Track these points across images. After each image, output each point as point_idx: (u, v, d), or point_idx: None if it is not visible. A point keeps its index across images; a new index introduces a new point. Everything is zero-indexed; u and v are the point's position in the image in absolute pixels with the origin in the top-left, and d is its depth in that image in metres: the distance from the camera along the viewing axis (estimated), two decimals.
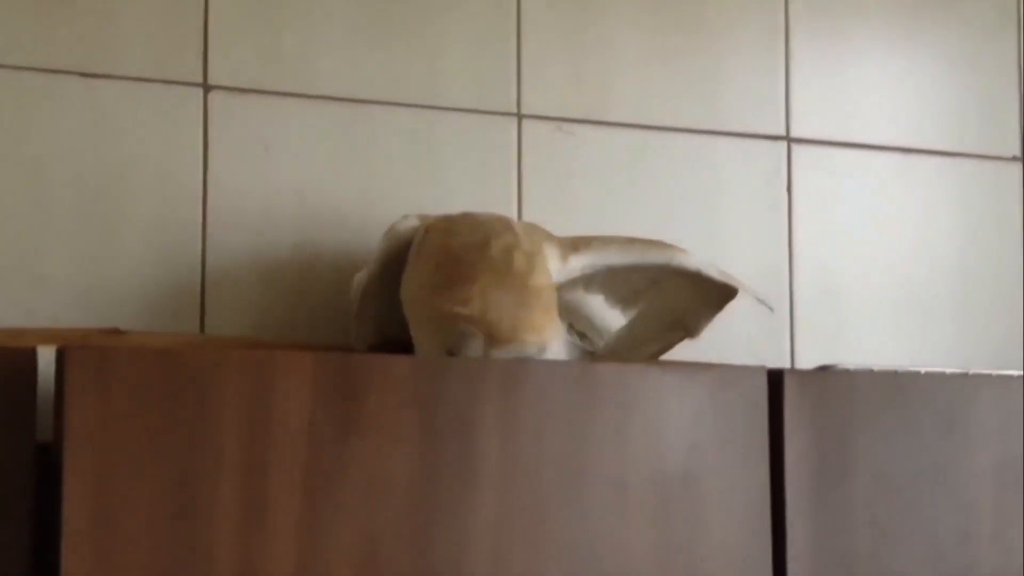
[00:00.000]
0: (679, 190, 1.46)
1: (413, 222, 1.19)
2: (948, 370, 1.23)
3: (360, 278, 1.20)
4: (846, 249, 1.52)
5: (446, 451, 0.97)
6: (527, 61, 1.40)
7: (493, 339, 1.10)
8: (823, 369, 1.23)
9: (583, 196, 1.42)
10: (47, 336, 1.18)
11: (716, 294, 1.23)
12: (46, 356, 0.89)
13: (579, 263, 1.19)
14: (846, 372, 1.16)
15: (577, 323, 1.31)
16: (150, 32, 1.28)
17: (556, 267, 1.16)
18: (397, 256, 1.18)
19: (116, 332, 1.20)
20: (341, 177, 1.33)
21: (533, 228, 1.19)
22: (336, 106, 1.33)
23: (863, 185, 1.53)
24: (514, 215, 1.38)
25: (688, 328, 1.28)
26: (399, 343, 1.19)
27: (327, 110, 1.33)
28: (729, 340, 1.44)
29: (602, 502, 1.01)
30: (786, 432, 1.08)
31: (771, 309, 1.25)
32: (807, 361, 1.48)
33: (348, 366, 0.95)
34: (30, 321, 1.22)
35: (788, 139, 1.50)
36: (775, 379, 1.08)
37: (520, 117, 1.40)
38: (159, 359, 0.90)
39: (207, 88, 1.29)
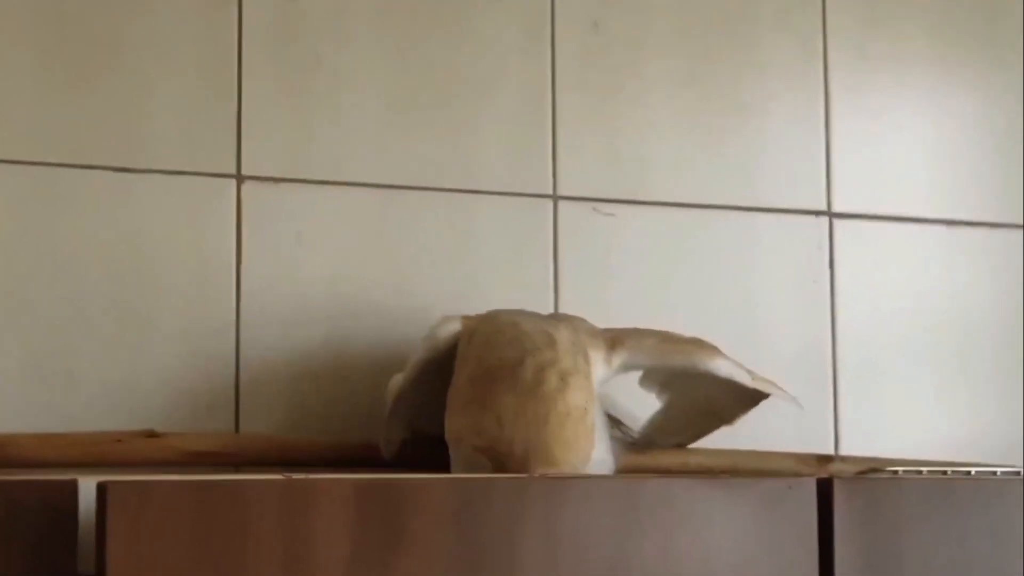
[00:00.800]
0: (719, 268, 1.44)
1: (453, 326, 1.16)
2: (999, 469, 1.19)
3: (396, 381, 1.17)
4: (889, 324, 1.49)
5: (488, 572, 0.94)
6: (562, 142, 1.38)
7: (502, 470, 1.08)
8: (871, 471, 1.20)
9: (621, 276, 1.40)
10: (80, 441, 1.17)
11: (749, 393, 1.21)
12: (87, 487, 0.87)
13: (617, 361, 1.16)
14: (895, 478, 1.14)
15: (612, 410, 1.28)
16: (182, 124, 1.27)
17: (602, 370, 1.14)
18: (435, 360, 1.15)
19: (151, 434, 1.19)
20: (374, 264, 1.31)
21: (578, 331, 1.16)
22: (369, 192, 1.32)
23: (906, 258, 1.51)
24: (551, 297, 1.36)
25: (723, 418, 1.26)
26: (430, 438, 1.18)
27: (360, 197, 1.32)
28: (771, 421, 1.42)
29: None
30: (836, 542, 1.05)
31: (801, 407, 1.22)
32: (851, 439, 1.45)
33: (389, 490, 0.93)
34: (63, 420, 1.20)
35: (830, 214, 1.47)
36: (824, 489, 1.06)
37: (556, 199, 1.38)
38: (197, 491, 0.88)
39: (240, 179, 1.28)
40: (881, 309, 1.49)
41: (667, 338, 1.18)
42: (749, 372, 1.19)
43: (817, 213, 1.47)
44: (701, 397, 1.25)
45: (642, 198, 1.41)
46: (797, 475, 1.36)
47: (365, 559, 0.91)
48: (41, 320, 1.22)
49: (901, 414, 1.49)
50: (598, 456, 1.12)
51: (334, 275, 1.30)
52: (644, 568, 0.99)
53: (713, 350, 1.18)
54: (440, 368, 1.16)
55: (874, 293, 1.49)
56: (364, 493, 0.92)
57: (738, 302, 1.44)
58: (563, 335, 1.14)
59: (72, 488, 0.88)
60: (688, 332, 1.37)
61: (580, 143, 1.39)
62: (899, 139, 1.51)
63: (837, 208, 1.48)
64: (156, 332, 1.24)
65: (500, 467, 1.09)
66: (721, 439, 1.38)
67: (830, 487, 1.06)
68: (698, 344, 1.18)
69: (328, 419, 1.25)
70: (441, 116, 1.34)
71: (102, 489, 0.85)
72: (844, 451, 1.46)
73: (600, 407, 1.15)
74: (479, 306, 1.31)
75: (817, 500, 1.05)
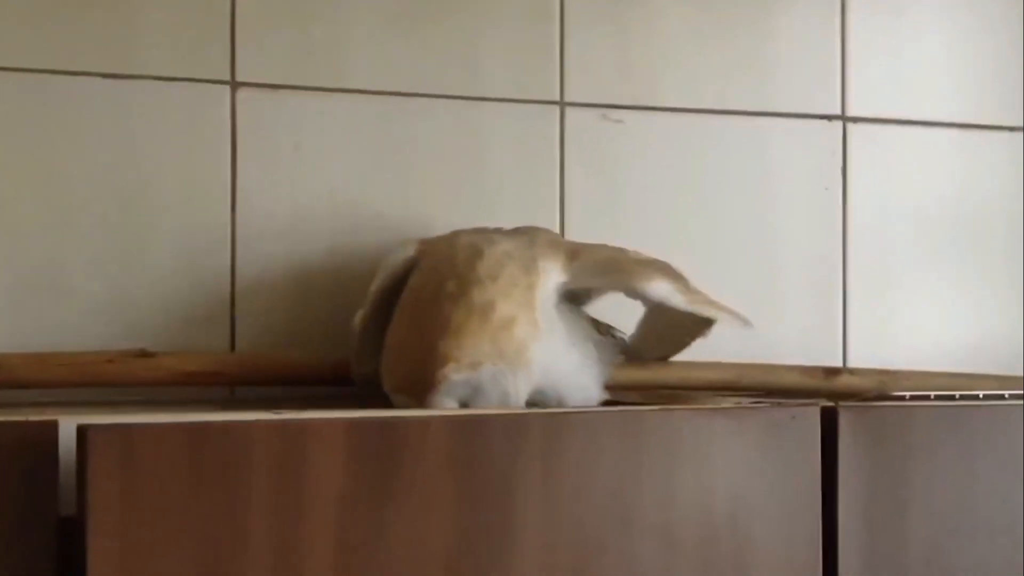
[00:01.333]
0: (730, 175, 1.40)
1: (406, 251, 1.14)
2: (1008, 392, 1.17)
3: (358, 317, 1.15)
4: (901, 230, 1.46)
5: (485, 512, 0.92)
6: (570, 46, 1.34)
7: (415, 397, 1.06)
8: (878, 397, 1.18)
9: (629, 185, 1.37)
10: (71, 361, 1.15)
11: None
12: (67, 427, 0.85)
13: (569, 273, 1.13)
14: (901, 406, 1.11)
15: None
16: (175, 29, 1.23)
17: (556, 278, 1.11)
18: (394, 287, 1.14)
19: (144, 354, 1.16)
20: (376, 174, 1.28)
21: (534, 243, 1.13)
22: (370, 100, 1.28)
23: (920, 164, 1.47)
24: (556, 206, 1.33)
25: (690, 334, 1.22)
26: None
27: (361, 104, 1.28)
28: (779, 330, 1.40)
29: (648, 553, 0.97)
30: (840, 471, 1.03)
31: (748, 325, 1.18)
32: (861, 346, 1.43)
33: (382, 429, 0.91)
34: (54, 336, 1.18)
35: (844, 118, 1.44)
36: (829, 417, 1.03)
37: (563, 105, 1.34)
38: (184, 434, 0.86)
39: (235, 85, 1.24)
40: (893, 216, 1.46)
41: (618, 257, 1.14)
42: (694, 295, 1.14)
43: (831, 118, 1.43)
44: (670, 312, 1.21)
45: (652, 104, 1.37)
46: (802, 390, 1.35)
47: (359, 500, 0.89)
48: (30, 234, 1.19)
49: (912, 321, 1.46)
50: (544, 358, 1.08)
51: (334, 186, 1.27)
52: (645, 501, 0.97)
53: (657, 271, 1.13)
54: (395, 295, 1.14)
55: (887, 199, 1.46)
56: (357, 432, 0.90)
57: (749, 210, 1.41)
58: (499, 248, 1.11)
59: (52, 429, 0.85)
60: (698, 241, 1.35)
61: (588, 47, 1.35)
62: (917, 41, 1.47)
63: (851, 112, 1.44)
64: (149, 246, 1.21)
65: (413, 395, 1.06)
66: (727, 350, 1.36)
67: (835, 416, 1.04)
68: (644, 265, 1.14)
69: (327, 336, 1.23)
70: (446, 19, 1.30)
71: (82, 432, 0.83)
72: (854, 359, 1.44)
73: (572, 317, 1.14)
74: (483, 216, 1.29)
75: (821, 429, 1.03)
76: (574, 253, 1.14)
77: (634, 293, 1.14)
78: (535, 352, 1.08)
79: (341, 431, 0.89)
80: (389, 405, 1.11)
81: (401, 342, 1.09)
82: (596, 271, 1.14)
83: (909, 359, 1.43)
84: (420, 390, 1.06)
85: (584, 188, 1.34)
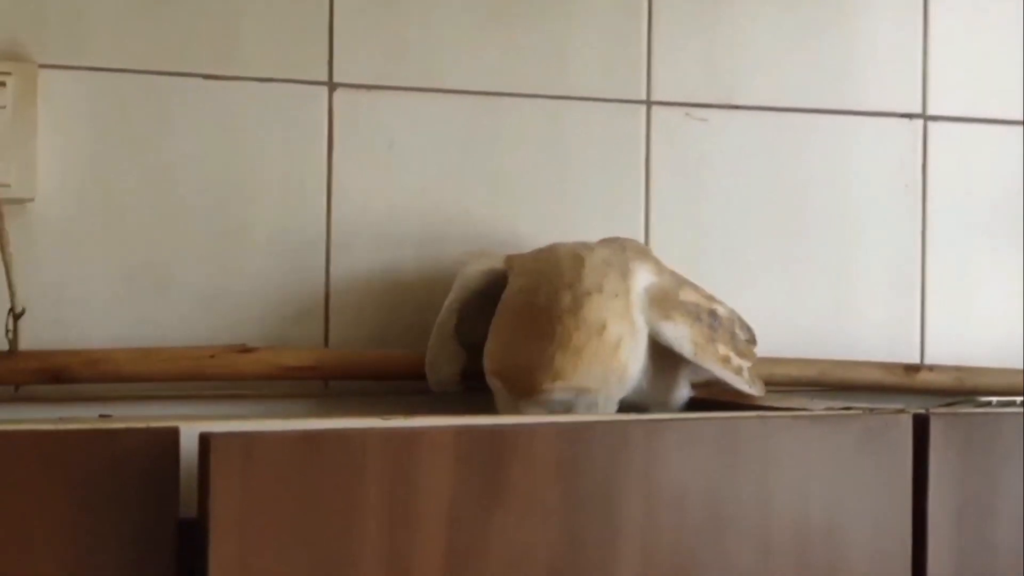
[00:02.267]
0: (812, 172, 1.42)
1: (481, 265, 1.17)
2: None
3: (435, 328, 1.20)
4: (980, 229, 1.47)
5: (589, 518, 0.95)
6: (657, 46, 1.36)
7: (512, 391, 1.09)
8: (964, 400, 1.19)
9: (713, 183, 1.38)
10: (174, 356, 1.17)
11: None
12: (189, 433, 0.88)
13: (658, 277, 1.16)
14: (989, 413, 1.13)
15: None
16: (274, 31, 1.25)
17: (647, 277, 1.14)
18: (469, 300, 1.18)
19: (244, 349, 1.19)
20: (467, 172, 1.30)
21: (625, 249, 1.17)
22: (462, 99, 1.30)
23: (1000, 162, 1.48)
24: (641, 204, 1.35)
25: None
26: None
27: (453, 104, 1.30)
28: (862, 326, 1.41)
29: (745, 560, 0.99)
30: (930, 477, 1.05)
31: (757, 393, 1.19)
32: (939, 345, 1.44)
33: (491, 436, 0.93)
34: (156, 332, 1.21)
35: (924, 116, 1.45)
36: (920, 423, 1.05)
37: (649, 104, 1.36)
38: (300, 441, 0.89)
39: (332, 87, 1.26)
40: (972, 213, 1.47)
41: (671, 289, 1.15)
42: (705, 348, 1.14)
43: (911, 116, 1.44)
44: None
45: (736, 102, 1.39)
46: (883, 386, 1.36)
47: (468, 505, 0.91)
48: (134, 232, 1.22)
49: (990, 318, 1.47)
50: (638, 366, 1.11)
51: (426, 184, 1.29)
52: (742, 506, 0.99)
53: (685, 314, 1.14)
54: (475, 303, 1.18)
55: (966, 197, 1.46)
56: (466, 439, 0.92)
57: (831, 207, 1.42)
58: (598, 255, 1.14)
59: (174, 435, 0.88)
60: (780, 238, 1.37)
61: (674, 47, 1.36)
62: (997, 40, 1.47)
63: (932, 111, 1.45)
64: (248, 243, 1.24)
65: (511, 387, 1.10)
66: (808, 347, 1.38)
67: (926, 423, 1.05)
68: (677, 305, 1.15)
69: (419, 332, 1.25)
70: (535, 19, 1.32)
71: (205, 440, 0.86)
72: (932, 355, 1.45)
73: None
74: (570, 212, 1.31)
75: (913, 436, 1.05)
76: (660, 265, 1.16)
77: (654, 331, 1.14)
78: (634, 369, 1.10)
79: (451, 438, 0.92)
80: (478, 407, 1.14)
81: (510, 339, 1.12)
82: (652, 293, 1.15)
83: (987, 355, 1.44)
84: (521, 388, 1.09)
85: (668, 185, 1.36)
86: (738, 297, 1.28)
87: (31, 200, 1.18)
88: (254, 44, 1.24)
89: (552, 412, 1.09)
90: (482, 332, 1.16)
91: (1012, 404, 1.16)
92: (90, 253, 1.20)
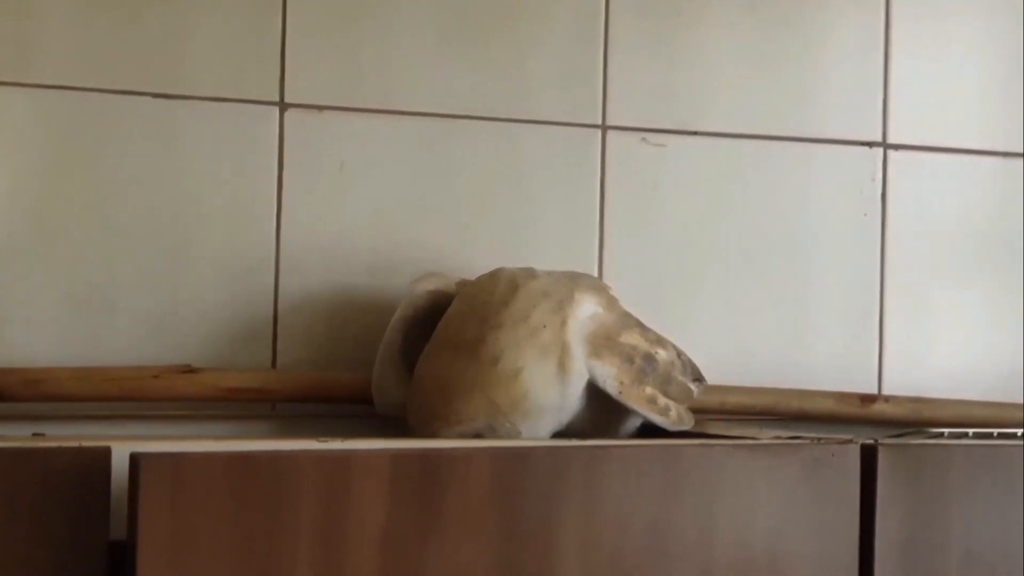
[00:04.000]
0: (770, 199, 1.41)
1: (428, 285, 1.18)
2: None
3: (380, 350, 1.19)
4: (940, 257, 1.46)
5: (526, 545, 0.94)
6: (613, 69, 1.35)
7: (435, 422, 1.10)
8: (915, 431, 1.18)
9: (670, 209, 1.37)
10: (117, 376, 1.16)
11: None
12: (121, 453, 0.87)
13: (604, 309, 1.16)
14: (939, 444, 1.12)
15: None
16: (225, 50, 1.24)
17: (591, 308, 1.14)
18: (414, 319, 1.18)
19: (189, 369, 1.18)
20: (419, 195, 1.29)
21: (572, 277, 1.17)
22: (415, 121, 1.29)
23: (960, 191, 1.47)
24: (596, 229, 1.34)
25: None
26: None
27: (406, 126, 1.29)
28: (817, 355, 1.41)
29: None
30: (878, 509, 1.04)
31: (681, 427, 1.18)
32: (896, 375, 1.44)
33: (426, 461, 0.92)
34: (100, 352, 1.20)
35: (884, 145, 1.44)
36: (868, 454, 1.04)
37: (605, 128, 1.35)
38: (232, 463, 0.87)
39: (283, 107, 1.25)
40: (931, 243, 1.46)
41: (613, 328, 1.15)
42: (631, 389, 1.14)
43: (872, 144, 1.44)
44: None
45: (694, 128, 1.38)
46: (838, 416, 1.35)
47: (402, 531, 0.90)
48: (78, 251, 1.20)
49: (948, 348, 1.47)
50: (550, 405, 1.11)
51: (378, 206, 1.28)
52: (684, 536, 0.98)
53: (614, 354, 1.14)
54: (422, 322, 1.18)
55: (925, 226, 1.46)
56: (402, 464, 0.91)
57: (788, 235, 1.41)
58: (537, 284, 1.15)
59: (105, 455, 0.87)
60: (737, 265, 1.36)
61: (631, 71, 1.36)
62: (957, 70, 1.47)
63: (892, 139, 1.44)
64: (195, 263, 1.23)
65: (419, 425, 1.12)
66: (763, 374, 1.37)
67: (874, 454, 1.04)
68: (612, 346, 1.14)
69: (368, 355, 1.23)
70: (490, 43, 1.31)
71: (135, 461, 0.85)
72: (889, 386, 1.44)
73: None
74: (524, 237, 1.30)
75: (860, 467, 1.04)
76: (611, 303, 1.16)
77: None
78: (547, 398, 1.09)
79: (386, 463, 0.91)
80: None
81: (427, 371, 1.13)
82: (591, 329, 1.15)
83: (945, 386, 1.44)
84: (426, 432, 1.11)
85: (624, 211, 1.35)
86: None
87: None
88: (204, 63, 1.23)
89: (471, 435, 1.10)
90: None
91: (964, 436, 1.15)
92: (35, 272, 1.19)
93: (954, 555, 1.06)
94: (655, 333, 1.16)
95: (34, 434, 1.08)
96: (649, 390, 1.13)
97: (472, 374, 1.10)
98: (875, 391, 1.42)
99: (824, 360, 1.42)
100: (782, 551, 1.01)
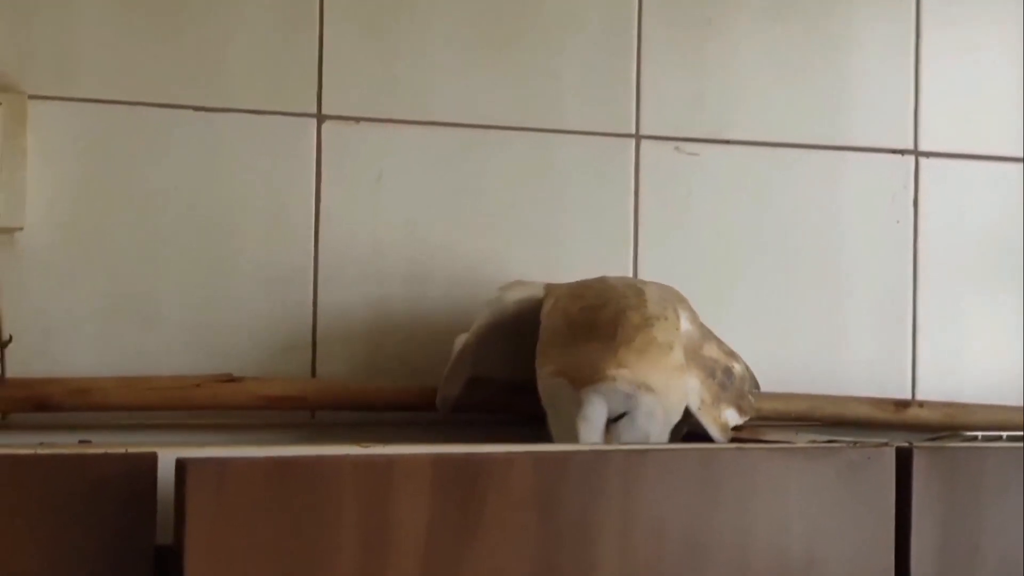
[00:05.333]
0: (802, 207, 1.42)
1: (519, 293, 1.17)
2: None
3: (460, 340, 1.19)
4: (971, 265, 1.47)
5: (565, 548, 0.94)
6: (646, 80, 1.36)
7: (575, 382, 1.08)
8: (949, 435, 1.19)
9: (702, 218, 1.38)
10: (160, 385, 1.18)
11: None
12: (166, 459, 0.88)
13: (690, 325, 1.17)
14: (973, 447, 1.12)
15: None
16: (263, 64, 1.26)
17: (687, 326, 1.14)
18: (501, 323, 1.17)
19: (230, 379, 1.19)
20: (454, 204, 1.31)
21: (665, 291, 1.17)
22: (451, 132, 1.31)
23: (991, 198, 1.48)
24: (631, 238, 1.35)
25: None
26: (491, 383, 1.21)
27: (441, 136, 1.30)
28: (851, 362, 1.41)
29: None
30: (913, 512, 1.05)
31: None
32: (930, 381, 1.44)
33: (467, 464, 0.93)
34: (142, 361, 1.21)
35: (916, 153, 1.45)
36: (903, 457, 1.05)
37: (638, 138, 1.36)
38: (275, 468, 0.89)
39: (321, 118, 1.27)
40: (963, 249, 1.47)
41: (699, 339, 1.16)
42: (706, 401, 1.15)
43: (903, 152, 1.45)
44: None
45: (726, 137, 1.39)
46: (872, 422, 1.36)
47: (443, 534, 0.91)
48: (122, 261, 1.22)
49: (981, 354, 1.47)
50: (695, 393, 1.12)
51: (414, 216, 1.29)
52: (721, 538, 0.99)
53: (691, 365, 1.14)
54: (505, 329, 1.18)
55: (957, 233, 1.47)
56: (443, 467, 0.92)
57: (821, 242, 1.42)
58: (651, 290, 1.15)
59: (152, 461, 0.88)
60: (769, 273, 1.37)
61: (664, 81, 1.37)
62: (988, 78, 1.48)
63: (923, 147, 1.45)
64: (235, 273, 1.24)
65: (574, 379, 1.08)
66: (799, 381, 1.38)
67: (909, 457, 1.05)
68: (690, 354, 1.15)
69: (405, 363, 1.25)
70: (524, 54, 1.33)
71: (181, 466, 0.86)
72: (923, 391, 1.44)
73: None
74: (557, 245, 1.31)
75: (896, 470, 1.05)
76: (694, 314, 1.18)
77: None
78: (691, 401, 1.11)
79: (428, 466, 0.92)
80: (469, 435, 1.14)
81: (570, 342, 1.11)
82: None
83: (979, 392, 1.44)
84: (585, 377, 1.08)
85: (657, 219, 1.36)
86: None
87: (20, 229, 1.19)
88: (243, 76, 1.25)
89: (613, 407, 1.08)
90: (489, 365, 1.19)
91: (998, 439, 1.15)
92: (77, 283, 1.21)
93: (990, 558, 1.07)
94: (728, 346, 1.18)
95: (81, 441, 1.10)
96: (724, 410, 1.14)
97: (639, 342, 1.09)
98: (909, 397, 1.43)
99: (858, 366, 1.42)
100: (818, 554, 1.02)
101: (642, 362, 1.09)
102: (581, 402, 1.07)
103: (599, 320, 1.11)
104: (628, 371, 1.08)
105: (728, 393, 1.15)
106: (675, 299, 1.16)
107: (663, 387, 1.09)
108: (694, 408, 1.13)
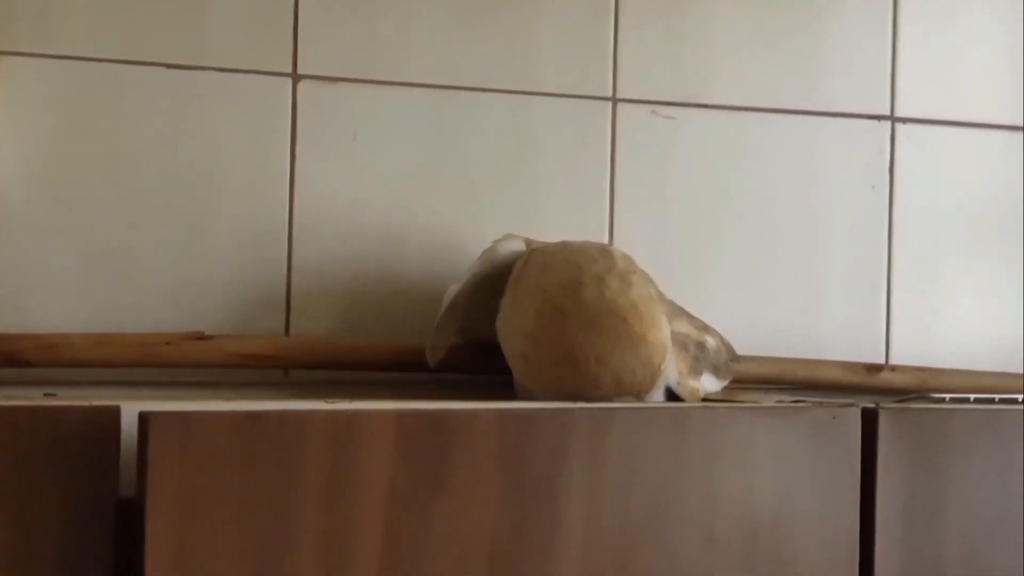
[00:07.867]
0: (779, 172, 1.42)
1: (512, 246, 1.17)
2: None
3: (451, 290, 1.18)
4: (947, 231, 1.47)
5: (531, 505, 0.95)
6: (623, 42, 1.36)
7: (556, 389, 1.09)
8: (917, 397, 1.20)
9: (679, 181, 1.38)
10: (130, 342, 1.18)
11: None
12: (130, 412, 0.88)
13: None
14: (940, 408, 1.13)
15: None
16: (239, 21, 1.26)
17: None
18: (492, 275, 1.17)
19: (201, 336, 1.19)
20: (431, 165, 1.31)
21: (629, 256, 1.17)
22: (427, 93, 1.31)
23: (967, 165, 1.48)
24: (606, 200, 1.35)
25: None
26: (478, 345, 1.21)
27: (417, 97, 1.30)
28: (825, 326, 1.42)
29: (690, 550, 1.00)
30: (879, 471, 1.05)
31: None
32: (904, 346, 1.45)
33: (433, 422, 0.93)
34: (115, 319, 1.21)
35: (892, 118, 1.45)
36: (869, 417, 1.05)
37: (615, 101, 1.36)
38: (240, 422, 0.89)
39: (296, 78, 1.27)
40: (939, 215, 1.47)
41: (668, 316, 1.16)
42: (683, 372, 1.16)
43: (880, 118, 1.45)
44: None
45: (703, 101, 1.39)
46: (844, 385, 1.37)
47: (408, 490, 0.92)
48: (96, 218, 1.22)
49: (955, 319, 1.47)
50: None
51: (389, 176, 1.29)
52: (688, 496, 1.00)
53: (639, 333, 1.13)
54: (494, 281, 1.17)
55: (933, 199, 1.47)
56: (407, 423, 0.93)
57: (797, 207, 1.42)
58: (616, 250, 1.15)
59: (115, 414, 0.88)
60: (745, 237, 1.37)
61: (641, 44, 1.37)
62: (966, 43, 1.48)
63: (900, 113, 1.45)
64: (209, 231, 1.24)
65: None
66: (773, 346, 1.38)
67: (875, 417, 1.05)
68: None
69: (381, 322, 1.25)
70: (502, 15, 1.33)
71: (144, 419, 0.86)
72: (897, 356, 1.45)
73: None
74: (534, 208, 1.31)
75: (861, 430, 1.05)
76: (659, 291, 1.18)
77: None
78: (669, 378, 1.13)
79: (392, 422, 0.92)
80: (444, 391, 1.14)
81: (541, 337, 1.10)
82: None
83: (952, 357, 1.45)
84: (635, 387, 1.09)
85: (634, 183, 1.36)
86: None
87: None
88: (219, 34, 1.25)
89: None
90: (476, 318, 1.19)
91: (965, 401, 1.16)
92: (50, 239, 1.21)
93: (954, 516, 1.07)
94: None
95: (46, 394, 1.10)
96: (697, 383, 1.15)
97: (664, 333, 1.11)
98: (883, 361, 1.43)
99: (833, 330, 1.43)
100: (784, 513, 1.02)
101: (639, 323, 1.10)
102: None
103: (582, 302, 1.11)
104: (671, 352, 1.11)
105: (703, 365, 1.15)
106: (640, 280, 1.15)
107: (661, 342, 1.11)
108: (673, 384, 1.14)
